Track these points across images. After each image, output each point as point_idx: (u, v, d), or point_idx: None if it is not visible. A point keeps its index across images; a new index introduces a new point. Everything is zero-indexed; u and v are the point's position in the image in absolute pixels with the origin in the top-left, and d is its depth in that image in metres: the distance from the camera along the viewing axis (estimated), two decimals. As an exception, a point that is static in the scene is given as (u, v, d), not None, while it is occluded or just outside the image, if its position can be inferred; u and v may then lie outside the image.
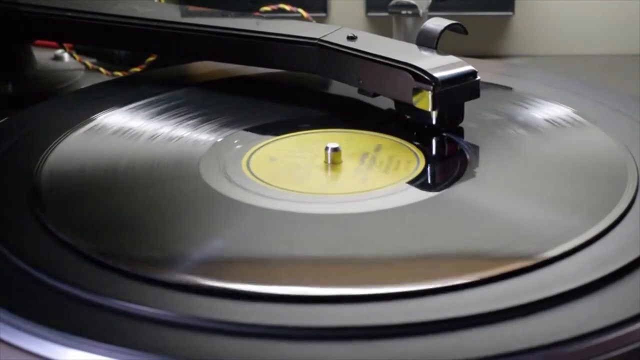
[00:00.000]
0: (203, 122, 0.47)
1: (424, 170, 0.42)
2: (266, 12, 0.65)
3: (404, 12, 0.66)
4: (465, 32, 0.48)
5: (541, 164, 0.42)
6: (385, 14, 0.68)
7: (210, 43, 0.53)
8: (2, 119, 0.50)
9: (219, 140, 0.45)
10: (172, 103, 0.50)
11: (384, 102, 0.48)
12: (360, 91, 0.49)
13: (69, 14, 0.56)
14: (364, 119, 0.48)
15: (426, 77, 0.44)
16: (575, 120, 0.47)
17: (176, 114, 0.48)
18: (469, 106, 0.46)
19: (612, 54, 0.73)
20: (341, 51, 0.48)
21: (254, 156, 0.44)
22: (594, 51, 0.73)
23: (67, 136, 0.45)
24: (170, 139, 0.45)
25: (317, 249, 0.35)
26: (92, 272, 0.33)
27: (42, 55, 0.69)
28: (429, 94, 0.44)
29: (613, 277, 0.32)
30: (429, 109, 0.44)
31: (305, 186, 0.41)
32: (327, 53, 0.49)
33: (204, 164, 0.42)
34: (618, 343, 0.30)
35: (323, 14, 0.73)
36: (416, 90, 0.44)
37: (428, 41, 0.47)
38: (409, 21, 0.66)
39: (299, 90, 0.53)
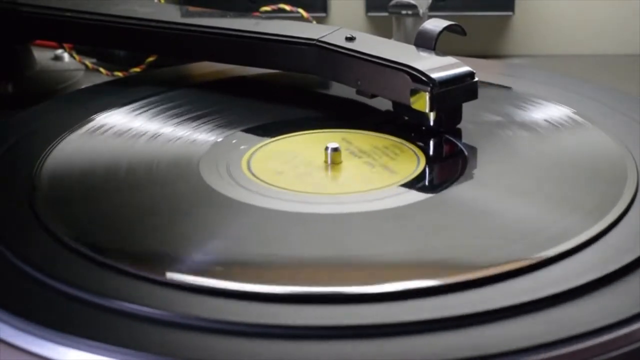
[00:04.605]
0: (203, 122, 0.47)
1: (423, 171, 0.42)
2: (266, 12, 0.65)
3: (404, 12, 0.66)
4: (464, 33, 0.48)
5: (541, 164, 0.42)
6: (385, 14, 0.68)
7: (209, 43, 0.53)
8: (2, 119, 0.50)
9: (219, 140, 0.45)
10: (172, 103, 0.50)
11: (383, 103, 0.48)
12: (359, 92, 0.49)
13: (69, 14, 0.56)
14: (362, 120, 0.48)
15: (424, 78, 0.44)
16: (575, 120, 0.47)
17: (176, 114, 0.48)
18: (469, 106, 0.46)
19: (612, 54, 0.73)
20: (339, 52, 0.48)
21: (254, 156, 0.44)
22: (594, 51, 0.73)
23: (67, 136, 0.45)
24: (170, 139, 0.45)
25: (317, 249, 0.35)
26: (92, 272, 0.33)
27: (42, 55, 0.68)
28: (427, 95, 0.44)
29: (613, 277, 0.33)
30: (427, 110, 0.44)
31: (305, 186, 0.41)
32: (325, 54, 0.49)
33: (204, 164, 0.42)
34: (618, 343, 0.30)
35: (323, 14, 0.73)
36: (414, 92, 0.44)
37: (426, 42, 0.47)
38: (409, 21, 0.66)
39: (298, 91, 0.53)
